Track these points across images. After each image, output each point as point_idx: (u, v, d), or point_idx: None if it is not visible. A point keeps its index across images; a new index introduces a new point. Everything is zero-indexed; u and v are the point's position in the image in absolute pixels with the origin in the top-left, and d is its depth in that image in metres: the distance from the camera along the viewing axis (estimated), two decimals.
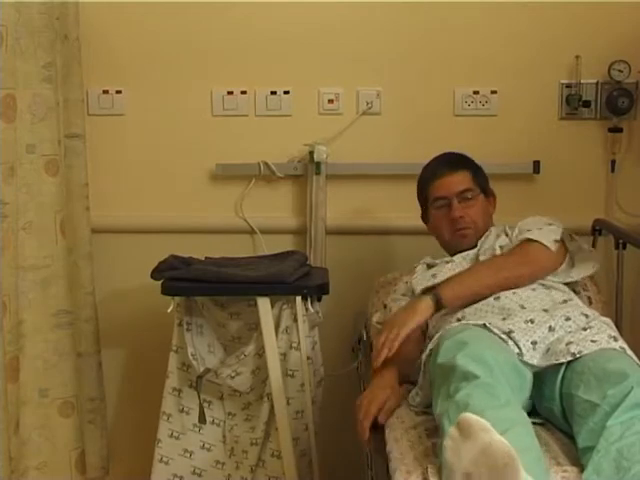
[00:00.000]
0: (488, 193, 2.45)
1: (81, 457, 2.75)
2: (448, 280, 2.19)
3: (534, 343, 1.91)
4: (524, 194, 2.83)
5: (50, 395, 2.65)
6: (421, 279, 2.31)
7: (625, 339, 2.59)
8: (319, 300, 2.50)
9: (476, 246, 2.36)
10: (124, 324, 2.93)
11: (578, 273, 2.30)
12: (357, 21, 2.78)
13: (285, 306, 2.41)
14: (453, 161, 2.43)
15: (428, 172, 2.44)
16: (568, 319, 2.00)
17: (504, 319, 1.99)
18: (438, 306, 2.12)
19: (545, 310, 2.05)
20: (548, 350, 1.91)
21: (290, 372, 2.43)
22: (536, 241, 2.25)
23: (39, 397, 2.63)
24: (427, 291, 2.19)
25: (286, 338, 2.42)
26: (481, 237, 2.36)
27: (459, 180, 2.38)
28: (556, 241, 2.27)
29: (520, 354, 1.88)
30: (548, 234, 2.27)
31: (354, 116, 2.82)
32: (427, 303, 2.10)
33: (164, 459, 2.50)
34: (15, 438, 2.48)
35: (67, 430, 2.70)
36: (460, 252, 2.36)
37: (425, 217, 2.47)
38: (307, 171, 2.81)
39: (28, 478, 2.62)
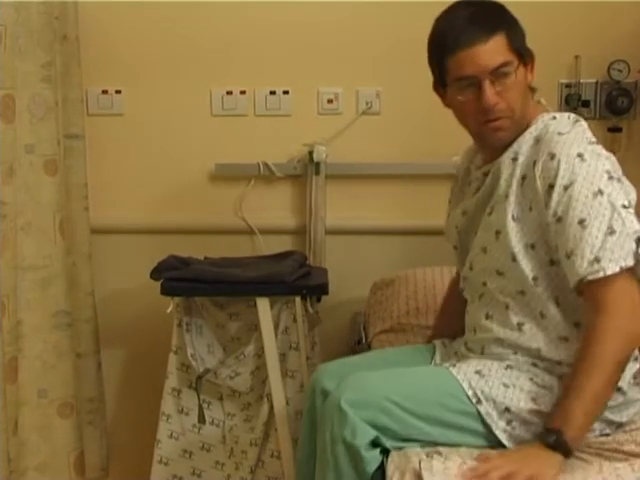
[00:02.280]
0: (527, 57, 1.79)
1: (80, 458, 2.75)
2: (563, 412, 1.58)
3: None
4: None
5: (49, 396, 2.65)
6: None
7: None
8: (318, 300, 2.50)
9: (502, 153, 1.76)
10: (123, 324, 2.93)
11: None
12: (356, 21, 2.78)
13: (284, 306, 2.41)
14: (484, 18, 1.72)
15: (448, 37, 1.73)
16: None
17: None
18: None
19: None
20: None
21: (289, 372, 2.43)
22: (594, 281, 1.58)
23: (38, 398, 2.63)
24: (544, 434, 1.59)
25: (285, 338, 2.42)
26: (513, 139, 1.75)
27: (494, 50, 1.70)
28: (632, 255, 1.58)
29: None
30: (612, 242, 1.57)
31: (354, 116, 2.82)
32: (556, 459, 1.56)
33: (163, 460, 2.50)
34: (14, 438, 2.48)
35: (66, 431, 2.69)
36: (492, 150, 1.81)
37: (441, 92, 1.84)
38: (306, 171, 2.80)
39: (27, 479, 2.61)
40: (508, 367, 1.73)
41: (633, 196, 1.69)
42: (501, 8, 1.78)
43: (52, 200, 2.61)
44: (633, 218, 1.60)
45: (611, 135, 2.78)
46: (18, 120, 2.47)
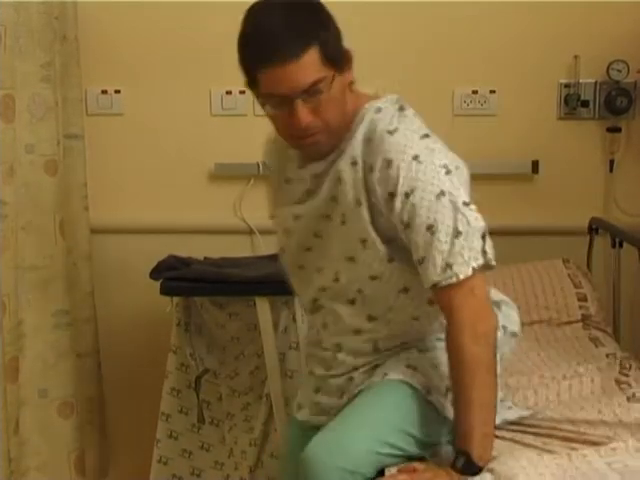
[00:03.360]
0: (343, 64, 1.63)
1: (80, 458, 2.75)
2: (461, 432, 1.56)
3: None
4: (523, 194, 2.83)
5: (49, 395, 2.65)
6: None
7: (622, 337, 2.62)
8: None
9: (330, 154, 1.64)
10: (123, 324, 2.93)
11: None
12: (355, 21, 2.77)
13: (284, 306, 2.41)
14: (298, 26, 1.56)
15: (259, 47, 1.57)
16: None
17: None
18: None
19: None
20: None
21: (289, 372, 2.43)
22: (449, 286, 1.53)
23: (38, 397, 2.63)
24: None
25: (285, 338, 2.42)
26: (338, 142, 1.63)
27: (306, 67, 1.54)
28: (480, 255, 1.54)
29: None
30: (460, 244, 1.53)
31: None
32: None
33: (163, 459, 2.51)
34: (15, 438, 2.48)
35: (66, 431, 2.70)
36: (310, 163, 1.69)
37: (255, 92, 1.63)
38: None
39: (28, 479, 2.62)
40: (421, 351, 1.71)
41: (465, 174, 1.64)
42: (316, 9, 1.62)
43: (52, 200, 2.61)
44: (477, 215, 1.55)
45: (610, 135, 2.78)
46: (18, 120, 2.47)
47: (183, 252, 2.57)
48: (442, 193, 1.54)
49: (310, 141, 1.60)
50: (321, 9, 1.63)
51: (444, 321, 1.60)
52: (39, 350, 2.61)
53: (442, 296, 1.55)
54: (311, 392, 1.80)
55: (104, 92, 2.85)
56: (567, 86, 2.78)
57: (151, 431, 2.52)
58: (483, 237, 1.54)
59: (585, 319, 2.39)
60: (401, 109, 1.64)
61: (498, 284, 2.49)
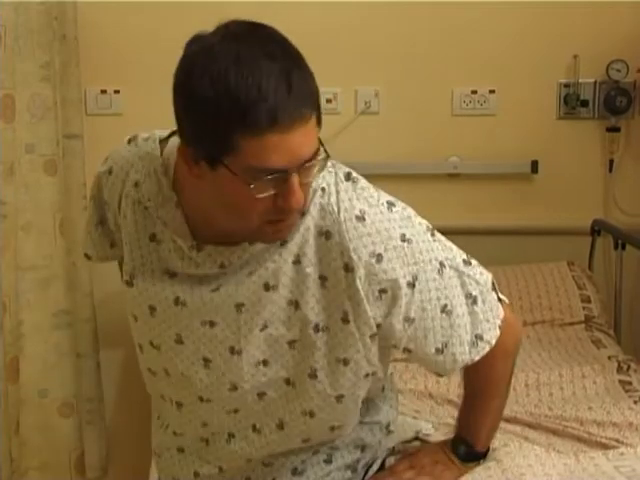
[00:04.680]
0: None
1: (80, 458, 2.75)
2: (470, 427, 1.53)
3: None
4: (522, 194, 2.83)
5: (50, 395, 2.65)
6: None
7: (624, 339, 2.62)
8: None
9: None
10: (123, 324, 2.90)
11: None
12: (355, 21, 2.78)
13: None
14: (299, 77, 1.21)
15: (253, 104, 1.12)
16: None
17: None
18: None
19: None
20: None
21: None
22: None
23: (39, 397, 2.63)
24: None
25: None
26: None
27: (312, 132, 1.19)
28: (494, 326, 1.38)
29: None
30: (481, 309, 1.37)
31: (352, 116, 2.82)
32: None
33: None
34: (16, 438, 2.48)
35: (67, 430, 2.70)
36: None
37: (200, 164, 1.19)
38: None
39: (29, 478, 2.62)
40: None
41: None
42: (297, 51, 1.27)
43: (52, 200, 2.61)
44: (478, 269, 1.39)
45: (610, 135, 2.78)
46: (18, 120, 2.47)
47: None
48: (442, 264, 1.32)
49: (285, 225, 1.23)
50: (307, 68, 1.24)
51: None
52: (39, 350, 2.61)
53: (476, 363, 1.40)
54: None
55: (103, 92, 2.85)
56: (566, 86, 2.78)
57: (150, 431, 2.51)
58: (493, 287, 1.40)
59: (588, 320, 2.39)
60: (348, 178, 1.33)
61: (502, 283, 2.50)
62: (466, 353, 1.35)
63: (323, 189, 1.29)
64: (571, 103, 2.77)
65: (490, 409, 1.50)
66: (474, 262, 1.39)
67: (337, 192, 1.29)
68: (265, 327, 1.31)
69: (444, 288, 1.32)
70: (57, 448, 2.69)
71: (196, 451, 1.49)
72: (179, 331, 1.37)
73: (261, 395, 1.36)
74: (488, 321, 1.36)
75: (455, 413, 1.88)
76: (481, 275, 1.38)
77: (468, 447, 1.52)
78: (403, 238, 1.29)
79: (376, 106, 2.82)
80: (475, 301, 1.35)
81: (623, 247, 2.63)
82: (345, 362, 1.32)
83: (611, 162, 2.79)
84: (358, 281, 1.26)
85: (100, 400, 2.87)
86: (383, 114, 2.82)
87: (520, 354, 2.18)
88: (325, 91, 2.81)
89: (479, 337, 1.36)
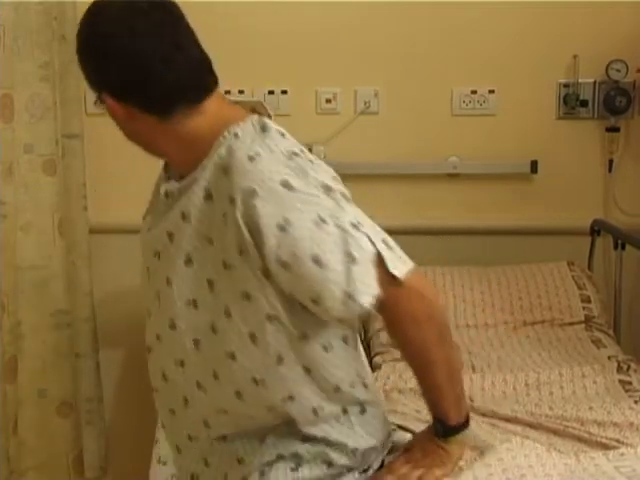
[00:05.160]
0: None
1: (79, 458, 2.75)
2: (438, 411, 1.51)
3: None
4: (521, 194, 2.83)
5: (48, 395, 2.65)
6: None
7: (623, 339, 2.62)
8: None
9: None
10: (122, 324, 2.92)
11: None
12: (355, 21, 2.78)
13: None
14: None
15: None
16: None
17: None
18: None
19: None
20: None
21: None
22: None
23: (38, 397, 2.63)
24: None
25: None
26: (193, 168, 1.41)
27: None
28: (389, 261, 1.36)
29: None
30: (357, 271, 1.33)
31: (352, 116, 2.82)
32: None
33: (162, 459, 2.50)
34: (14, 438, 2.48)
35: (65, 431, 2.70)
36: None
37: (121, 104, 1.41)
38: None
39: (27, 478, 2.62)
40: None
41: (340, 188, 1.41)
42: None
43: (51, 200, 2.61)
44: (366, 238, 1.35)
45: (609, 135, 2.78)
46: (17, 120, 2.47)
47: None
48: (322, 219, 1.33)
49: None
50: None
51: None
52: (38, 350, 2.61)
53: (381, 308, 1.38)
54: None
55: None
56: (566, 86, 2.78)
57: (150, 431, 2.51)
58: (380, 261, 1.35)
59: (588, 320, 2.39)
60: (263, 129, 1.39)
61: (502, 283, 2.51)
62: (337, 309, 1.35)
63: (236, 134, 1.38)
64: (571, 103, 2.76)
65: (436, 380, 1.47)
66: (367, 232, 1.36)
67: (245, 137, 1.38)
68: (190, 262, 1.39)
69: (319, 239, 1.32)
70: (55, 448, 2.69)
71: (169, 426, 1.58)
72: (148, 265, 1.51)
73: (196, 343, 1.42)
74: (363, 283, 1.33)
75: None
76: (367, 244, 1.35)
77: (443, 425, 1.51)
78: (285, 184, 1.33)
79: (376, 106, 2.81)
80: (354, 261, 1.33)
81: (623, 247, 2.63)
82: (247, 297, 1.37)
83: (611, 162, 2.79)
84: (238, 214, 1.32)
85: (100, 400, 2.87)
86: (383, 114, 2.82)
87: (520, 353, 2.21)
88: (325, 91, 2.82)
89: (350, 296, 1.33)
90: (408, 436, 1.64)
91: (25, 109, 2.53)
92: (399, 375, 2.11)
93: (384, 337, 2.37)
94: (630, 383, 2.00)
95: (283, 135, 1.41)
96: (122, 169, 2.89)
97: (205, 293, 1.40)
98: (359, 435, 1.50)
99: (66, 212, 2.70)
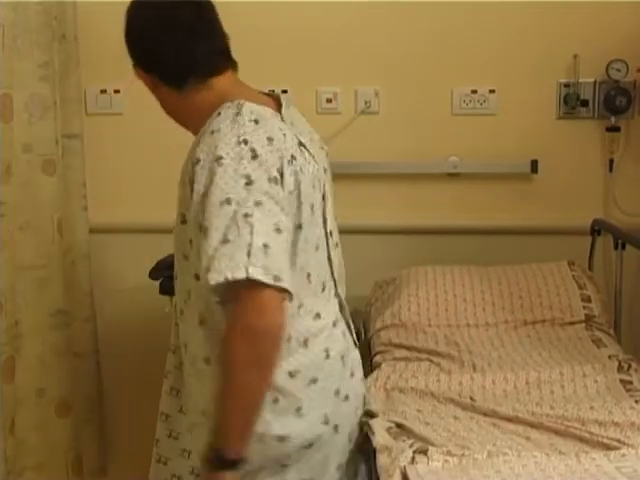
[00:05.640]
0: None
1: (77, 458, 2.75)
2: (219, 431, 1.56)
3: None
4: (522, 193, 2.83)
5: (47, 395, 2.65)
6: None
7: (624, 339, 2.62)
8: None
9: None
10: (122, 324, 2.92)
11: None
12: (355, 21, 2.78)
13: None
14: None
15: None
16: None
17: None
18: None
19: None
20: None
21: None
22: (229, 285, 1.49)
23: (36, 397, 2.63)
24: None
25: None
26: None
27: None
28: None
29: None
30: (222, 252, 1.48)
31: (352, 115, 2.82)
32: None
33: (162, 459, 2.50)
34: (11, 438, 2.48)
35: (63, 430, 2.70)
36: None
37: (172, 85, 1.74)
38: None
39: (25, 479, 2.61)
40: None
41: (278, 196, 1.55)
42: None
43: (50, 200, 2.61)
44: (252, 228, 1.48)
45: (609, 135, 2.78)
46: (16, 119, 2.47)
47: None
48: (228, 201, 1.50)
49: None
50: None
51: None
52: (36, 350, 2.61)
53: (227, 294, 1.51)
54: None
55: (103, 92, 2.84)
56: (566, 85, 2.77)
57: (150, 431, 2.51)
58: (248, 254, 1.46)
59: (588, 320, 2.39)
60: (237, 114, 1.59)
61: (502, 283, 2.51)
62: (202, 274, 1.49)
63: (219, 113, 1.62)
64: (571, 103, 2.76)
65: (232, 400, 1.51)
66: (255, 227, 1.49)
67: (224, 116, 1.60)
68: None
69: (215, 216, 1.49)
70: (53, 448, 2.68)
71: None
72: None
73: (177, 251, 1.72)
74: (220, 263, 1.46)
75: (457, 412, 1.89)
76: (248, 234, 1.48)
77: (220, 455, 1.53)
78: (218, 159, 1.53)
79: (376, 106, 2.81)
80: (227, 242, 1.48)
81: (623, 247, 2.63)
82: (183, 218, 1.63)
83: (611, 162, 2.79)
84: (187, 178, 1.59)
85: (100, 399, 2.87)
86: (383, 114, 2.82)
87: (520, 353, 2.21)
88: (325, 91, 2.82)
89: (207, 269, 1.47)
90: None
91: (25, 109, 2.53)
92: (400, 374, 2.11)
93: (384, 337, 2.37)
94: (631, 382, 2.00)
95: (257, 122, 1.59)
96: (122, 169, 2.90)
97: (181, 227, 1.66)
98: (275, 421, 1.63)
99: (66, 212, 2.70)
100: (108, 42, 2.80)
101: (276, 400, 1.62)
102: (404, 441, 1.72)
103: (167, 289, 2.41)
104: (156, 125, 2.86)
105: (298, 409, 1.65)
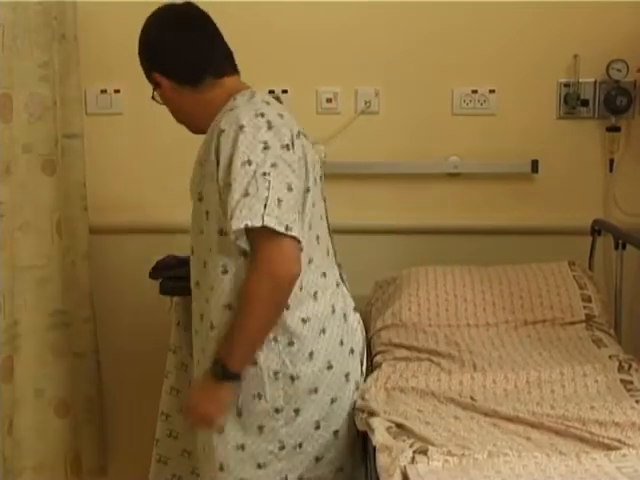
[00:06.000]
0: None
1: (76, 458, 2.75)
2: (228, 347, 1.85)
3: None
4: (522, 193, 2.83)
5: (45, 395, 2.65)
6: None
7: (624, 339, 2.62)
8: None
9: None
10: (122, 324, 2.92)
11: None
12: (355, 21, 2.78)
13: None
14: None
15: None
16: None
17: None
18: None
19: None
20: None
21: None
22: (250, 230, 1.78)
23: (35, 397, 2.63)
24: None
25: None
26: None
27: None
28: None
29: None
30: (243, 203, 1.77)
31: (352, 115, 2.82)
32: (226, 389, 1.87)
33: (163, 459, 2.50)
34: (9, 438, 2.48)
35: (62, 430, 2.70)
36: None
37: (186, 87, 1.98)
38: None
39: (23, 479, 2.61)
40: None
41: (290, 156, 1.82)
42: None
43: (50, 200, 2.61)
44: (269, 185, 1.77)
45: (610, 135, 2.78)
46: (15, 119, 2.47)
47: (182, 252, 2.56)
48: (249, 162, 1.78)
49: None
50: None
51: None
52: (35, 350, 2.60)
53: (251, 241, 1.79)
54: None
55: (103, 92, 2.85)
56: (567, 85, 2.77)
57: (150, 431, 2.51)
58: (265, 206, 1.75)
59: (588, 320, 2.39)
60: (251, 97, 1.90)
61: (502, 283, 2.50)
62: (229, 223, 1.77)
63: (235, 98, 1.90)
64: (571, 103, 2.76)
65: (244, 327, 1.81)
66: (272, 183, 1.77)
67: (239, 99, 1.89)
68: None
69: (237, 174, 1.77)
70: (52, 448, 2.68)
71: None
72: None
73: (193, 229, 1.96)
74: (241, 212, 1.75)
75: (458, 411, 1.88)
76: (265, 189, 1.76)
77: (223, 366, 1.82)
78: (241, 127, 1.80)
79: (376, 106, 2.81)
80: (247, 195, 1.76)
81: (623, 247, 2.63)
82: (200, 196, 1.90)
83: (611, 162, 2.79)
84: (212, 146, 1.84)
85: (100, 399, 2.87)
86: (383, 114, 2.82)
87: (521, 353, 2.20)
88: (325, 90, 2.82)
89: (232, 217, 1.76)
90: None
91: (24, 109, 2.53)
92: (400, 374, 2.11)
93: (385, 336, 2.37)
94: (631, 382, 2.00)
95: (268, 103, 1.89)
96: (122, 169, 2.90)
97: (197, 204, 1.92)
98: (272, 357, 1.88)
99: (66, 212, 2.70)
100: (108, 42, 2.81)
101: (291, 343, 1.87)
102: (404, 441, 1.72)
103: (167, 289, 2.41)
104: (156, 125, 2.87)
105: (311, 354, 1.89)
